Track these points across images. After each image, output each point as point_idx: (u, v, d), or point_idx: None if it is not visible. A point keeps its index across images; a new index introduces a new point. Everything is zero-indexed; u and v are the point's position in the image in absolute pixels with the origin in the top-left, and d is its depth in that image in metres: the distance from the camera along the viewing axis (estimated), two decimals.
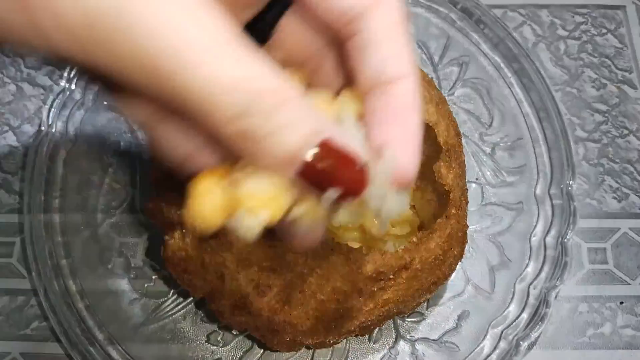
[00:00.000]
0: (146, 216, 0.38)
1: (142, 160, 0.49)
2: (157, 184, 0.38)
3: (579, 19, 0.56)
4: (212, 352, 0.43)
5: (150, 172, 0.40)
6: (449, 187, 0.37)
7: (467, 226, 0.41)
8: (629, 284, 0.46)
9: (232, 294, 0.35)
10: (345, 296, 0.35)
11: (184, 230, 0.36)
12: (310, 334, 0.36)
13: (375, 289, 0.36)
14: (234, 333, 0.43)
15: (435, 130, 0.38)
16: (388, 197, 0.22)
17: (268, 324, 0.36)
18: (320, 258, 0.35)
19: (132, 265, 0.45)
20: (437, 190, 0.42)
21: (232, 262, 0.35)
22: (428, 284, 0.38)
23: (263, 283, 0.35)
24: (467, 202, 0.41)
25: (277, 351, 0.42)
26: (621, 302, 0.46)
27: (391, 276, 0.36)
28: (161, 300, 0.44)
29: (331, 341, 0.38)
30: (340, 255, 0.35)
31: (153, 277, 0.45)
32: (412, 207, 0.43)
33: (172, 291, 0.44)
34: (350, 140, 0.21)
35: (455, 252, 0.39)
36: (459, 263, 0.41)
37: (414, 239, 0.36)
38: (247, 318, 0.36)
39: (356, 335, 0.43)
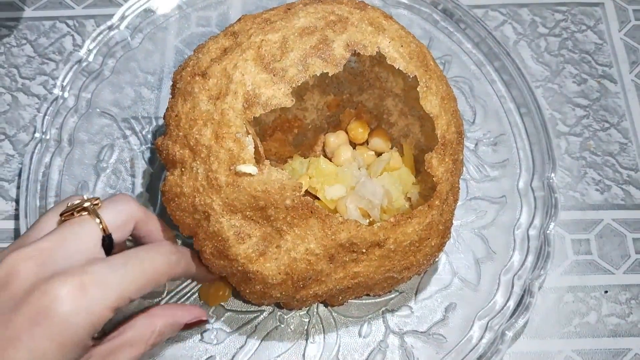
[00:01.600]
0: (164, 204, 0.40)
1: (134, 166, 0.50)
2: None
3: (558, 16, 0.58)
4: (206, 350, 0.44)
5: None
6: (437, 179, 0.39)
7: (452, 223, 0.42)
8: (613, 273, 0.47)
9: (214, 235, 0.37)
10: (317, 259, 0.37)
11: (182, 169, 0.38)
12: (279, 288, 0.38)
13: (347, 260, 0.37)
14: (227, 331, 0.44)
15: (435, 123, 0.39)
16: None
17: (242, 271, 0.38)
18: (300, 218, 0.36)
19: None
20: (434, 185, 0.43)
21: (218, 206, 0.36)
22: (400, 268, 0.39)
23: (244, 231, 0.37)
24: (455, 200, 0.42)
25: (249, 302, 0.44)
26: (605, 291, 0.47)
27: (364, 250, 0.37)
28: (155, 300, 0.45)
29: (297, 302, 0.40)
30: (318, 218, 0.36)
31: None
32: (408, 199, 0.44)
33: (166, 292, 0.46)
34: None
35: (433, 244, 0.40)
36: (440, 257, 0.42)
37: (391, 219, 0.37)
38: (224, 262, 0.38)
39: (324, 303, 0.44)
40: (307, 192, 0.44)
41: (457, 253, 0.47)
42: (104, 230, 0.34)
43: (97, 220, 0.34)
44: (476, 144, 0.51)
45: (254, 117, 0.36)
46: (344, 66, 0.38)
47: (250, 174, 0.35)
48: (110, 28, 0.53)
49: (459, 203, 0.48)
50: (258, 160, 0.36)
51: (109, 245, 0.34)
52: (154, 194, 0.49)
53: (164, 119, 0.41)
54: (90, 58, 0.52)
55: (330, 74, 0.37)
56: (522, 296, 0.44)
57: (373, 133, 0.48)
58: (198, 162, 0.37)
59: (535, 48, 0.56)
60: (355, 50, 0.38)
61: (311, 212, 0.36)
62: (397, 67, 0.38)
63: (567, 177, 0.51)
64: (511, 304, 0.44)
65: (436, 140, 0.39)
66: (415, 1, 0.56)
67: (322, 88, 0.48)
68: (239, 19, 0.42)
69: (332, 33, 0.38)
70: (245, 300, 0.43)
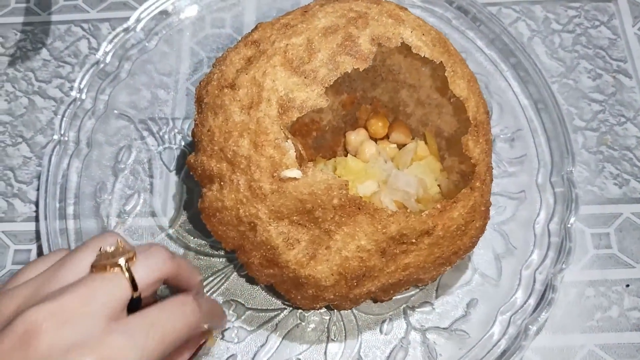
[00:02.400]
0: (204, 222, 0.39)
1: (152, 166, 0.50)
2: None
3: (572, 12, 0.58)
4: (227, 349, 0.44)
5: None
6: (475, 161, 0.39)
7: (490, 202, 0.42)
8: (634, 267, 0.47)
9: (262, 245, 0.37)
10: (369, 255, 0.36)
11: (222, 183, 0.37)
12: (332, 289, 0.37)
13: (398, 252, 0.37)
14: (248, 329, 0.44)
15: (466, 106, 0.39)
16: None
17: (294, 277, 0.37)
18: (347, 216, 0.36)
19: None
20: (462, 171, 0.44)
21: (264, 214, 0.36)
22: (449, 253, 0.39)
23: (292, 237, 0.36)
24: (491, 180, 0.42)
25: (299, 308, 0.43)
26: (627, 285, 0.47)
27: (414, 240, 0.37)
28: None
29: (350, 302, 0.39)
30: (367, 214, 0.36)
31: None
32: (438, 186, 0.44)
33: None
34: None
35: (477, 225, 0.40)
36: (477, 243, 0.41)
37: (438, 206, 0.37)
38: (274, 271, 0.38)
39: (374, 300, 0.44)
40: None
41: (477, 249, 0.47)
42: (133, 287, 0.31)
43: (129, 278, 0.31)
44: (494, 140, 0.51)
45: (290, 120, 0.36)
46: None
47: (295, 178, 0.35)
48: (126, 31, 0.54)
49: None
50: (300, 163, 0.36)
51: (135, 304, 0.31)
52: (171, 194, 0.49)
53: (192, 136, 0.41)
54: (107, 60, 0.52)
55: (361, 70, 0.37)
56: (544, 291, 0.44)
57: (392, 126, 0.48)
58: (238, 174, 0.36)
59: (550, 44, 0.56)
60: (380, 43, 0.38)
61: (359, 208, 0.36)
62: (422, 55, 0.38)
63: (585, 172, 0.51)
64: (533, 299, 0.44)
65: (456, 124, 0.39)
66: (429, 0, 0.56)
67: (335, 88, 0.48)
68: (256, 27, 0.42)
69: (355, 29, 0.38)
70: (296, 307, 0.43)
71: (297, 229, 0.36)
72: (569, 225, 0.45)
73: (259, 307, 0.45)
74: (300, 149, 0.37)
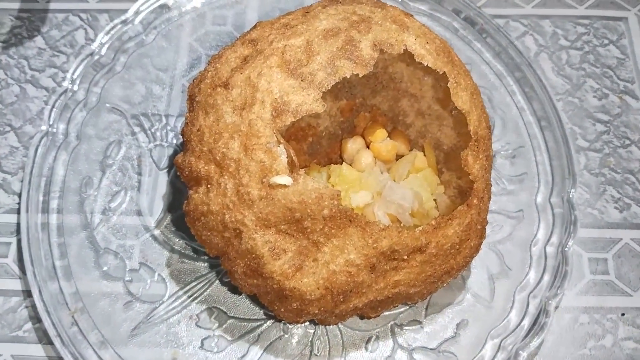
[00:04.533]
0: (188, 226, 0.38)
1: (141, 163, 0.49)
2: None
3: (581, 29, 0.56)
4: (206, 358, 0.42)
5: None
6: (474, 177, 0.37)
7: (487, 221, 0.40)
8: (631, 295, 0.46)
9: (246, 253, 0.35)
10: (358, 270, 0.35)
11: (209, 186, 0.36)
12: (317, 304, 0.36)
13: (388, 268, 0.35)
14: (229, 339, 0.43)
15: (467, 119, 0.38)
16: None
17: (278, 289, 0.36)
18: (338, 228, 0.34)
19: (128, 268, 0.45)
20: (460, 186, 0.42)
21: (251, 221, 0.34)
22: (441, 272, 0.37)
23: (278, 246, 0.35)
24: (489, 198, 0.40)
25: (281, 321, 0.42)
26: (622, 314, 0.45)
27: (405, 257, 0.35)
28: (156, 303, 0.44)
29: (335, 318, 0.38)
30: (358, 227, 0.34)
31: (149, 280, 0.45)
32: (434, 200, 0.43)
33: (167, 294, 0.44)
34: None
35: (472, 244, 0.38)
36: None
37: (432, 222, 0.35)
38: (258, 281, 0.36)
39: (361, 317, 0.42)
40: None
41: (471, 268, 0.45)
42: None
43: None
44: (494, 156, 0.49)
45: (284, 124, 0.34)
46: None
47: (285, 185, 0.33)
48: (124, 23, 0.52)
49: None
50: (292, 170, 0.35)
51: None
52: (160, 193, 0.48)
53: (182, 135, 0.39)
54: (102, 52, 0.51)
55: (360, 75, 0.36)
56: (538, 316, 0.42)
57: (391, 136, 0.46)
58: (226, 177, 0.35)
59: (557, 60, 0.55)
60: (382, 50, 0.37)
61: (350, 220, 0.34)
62: (425, 64, 0.37)
63: (585, 194, 0.49)
64: (526, 323, 0.42)
65: (456, 138, 0.37)
66: (436, 8, 0.54)
67: (333, 93, 0.46)
68: (255, 26, 0.40)
69: (357, 33, 0.37)
70: (279, 319, 0.42)
71: (284, 238, 0.35)
72: (566, 249, 0.44)
73: (241, 317, 0.43)
74: (293, 155, 0.36)
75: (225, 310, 0.44)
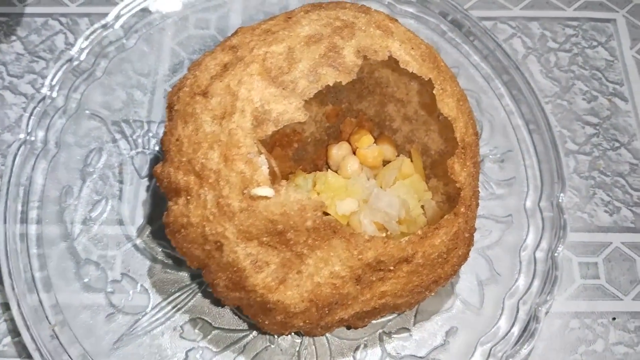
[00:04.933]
0: (168, 238, 0.37)
1: (122, 171, 0.48)
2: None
3: (569, 31, 0.56)
4: None
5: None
6: (461, 185, 0.36)
7: (475, 229, 0.40)
8: (622, 299, 0.45)
9: (228, 266, 0.34)
10: (343, 282, 0.34)
11: (188, 197, 0.35)
12: (302, 316, 0.35)
13: (374, 279, 0.35)
14: (214, 350, 0.42)
15: (454, 126, 0.37)
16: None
17: (261, 302, 0.35)
18: (321, 239, 0.33)
19: (110, 278, 0.44)
20: (448, 193, 0.41)
21: (232, 234, 0.33)
22: (428, 282, 0.37)
23: (261, 259, 0.34)
24: (477, 205, 0.40)
25: (266, 333, 0.41)
26: (613, 318, 0.45)
27: (391, 267, 0.34)
28: (139, 315, 0.43)
29: (321, 329, 0.37)
30: (342, 238, 0.33)
31: (131, 291, 0.43)
32: (421, 207, 0.42)
33: (150, 306, 0.43)
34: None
35: (460, 253, 0.37)
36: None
37: (419, 232, 0.35)
38: (241, 294, 0.35)
39: (347, 327, 0.41)
40: None
41: (460, 274, 0.45)
42: None
43: None
44: (482, 160, 0.49)
45: (265, 134, 0.33)
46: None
47: (266, 197, 0.32)
48: (104, 27, 0.51)
49: None
50: (273, 181, 0.34)
51: None
52: (141, 202, 0.47)
53: (161, 144, 0.38)
54: (82, 57, 0.50)
55: (343, 83, 0.35)
56: (528, 322, 0.42)
57: (377, 141, 0.45)
58: (206, 189, 0.34)
59: (545, 63, 0.54)
60: (366, 56, 0.36)
61: (334, 232, 0.33)
62: (410, 71, 0.36)
63: (575, 197, 0.49)
64: (516, 330, 0.42)
65: (443, 143, 0.37)
66: (423, 11, 0.54)
67: (319, 98, 0.45)
68: (236, 32, 0.39)
69: (340, 40, 0.36)
70: (264, 332, 0.41)
71: (267, 250, 0.34)
72: (556, 254, 0.43)
73: (226, 327, 0.42)
74: (274, 165, 0.35)
75: (209, 320, 0.43)
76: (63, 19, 0.56)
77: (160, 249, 0.45)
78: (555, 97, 0.53)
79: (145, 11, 0.53)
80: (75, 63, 0.50)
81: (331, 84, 0.35)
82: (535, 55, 0.55)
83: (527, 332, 0.42)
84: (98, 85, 0.50)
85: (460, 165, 0.36)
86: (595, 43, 0.55)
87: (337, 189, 0.41)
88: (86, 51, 0.50)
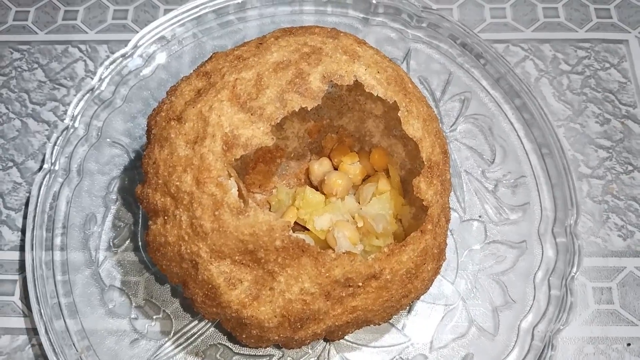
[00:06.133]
0: (149, 256, 0.39)
1: None
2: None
3: (581, 53, 0.56)
4: None
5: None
6: (427, 203, 0.38)
7: (446, 244, 0.41)
8: (636, 324, 0.46)
9: (204, 283, 0.36)
10: (313, 298, 0.36)
11: (165, 217, 0.37)
12: (276, 331, 0.37)
13: (344, 295, 0.36)
14: None
15: (420, 146, 0.38)
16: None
17: (237, 317, 0.36)
18: (291, 258, 0.35)
19: (134, 304, 0.45)
20: (424, 206, 0.43)
21: (206, 253, 0.35)
22: (399, 296, 0.38)
23: (234, 276, 0.36)
24: (447, 221, 0.41)
25: (246, 346, 0.42)
26: (628, 344, 0.45)
27: (360, 284, 0.36)
28: (163, 340, 0.44)
29: (297, 342, 0.39)
30: (310, 257, 0.35)
31: (154, 317, 0.45)
32: (399, 220, 0.44)
33: (173, 331, 0.44)
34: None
35: (429, 268, 0.39)
36: (457, 304, 0.40)
37: (385, 250, 0.36)
38: (217, 309, 0.37)
39: (325, 340, 0.43)
40: (296, 224, 0.44)
41: (475, 299, 0.45)
42: None
43: None
44: (495, 185, 0.49)
45: (234, 158, 0.35)
46: None
47: (237, 217, 0.35)
48: (123, 56, 0.52)
49: (477, 247, 0.47)
50: (243, 202, 0.36)
51: None
52: None
53: (141, 166, 0.40)
54: (103, 86, 0.51)
55: (309, 109, 0.36)
56: (543, 349, 0.42)
57: (357, 155, 0.47)
58: (181, 210, 0.36)
59: (557, 86, 0.55)
60: (332, 81, 0.37)
61: (302, 250, 0.35)
62: (375, 95, 0.38)
63: (588, 222, 0.49)
64: (530, 357, 0.42)
65: (421, 158, 0.38)
66: (434, 35, 0.54)
67: (301, 115, 0.47)
68: (211, 57, 0.41)
69: (307, 66, 0.37)
70: (243, 345, 0.42)
71: (240, 268, 0.36)
72: (570, 280, 0.44)
73: (246, 353, 0.44)
74: (242, 188, 0.37)
75: (230, 346, 0.44)
76: (82, 46, 0.57)
77: None
78: (568, 121, 0.53)
79: (162, 39, 0.54)
80: (97, 92, 0.51)
81: (297, 110, 0.36)
82: (547, 78, 0.55)
83: (542, 359, 0.42)
84: (118, 113, 0.51)
85: (427, 183, 0.38)
86: (607, 65, 0.56)
87: (316, 205, 0.43)
88: (106, 80, 0.51)
